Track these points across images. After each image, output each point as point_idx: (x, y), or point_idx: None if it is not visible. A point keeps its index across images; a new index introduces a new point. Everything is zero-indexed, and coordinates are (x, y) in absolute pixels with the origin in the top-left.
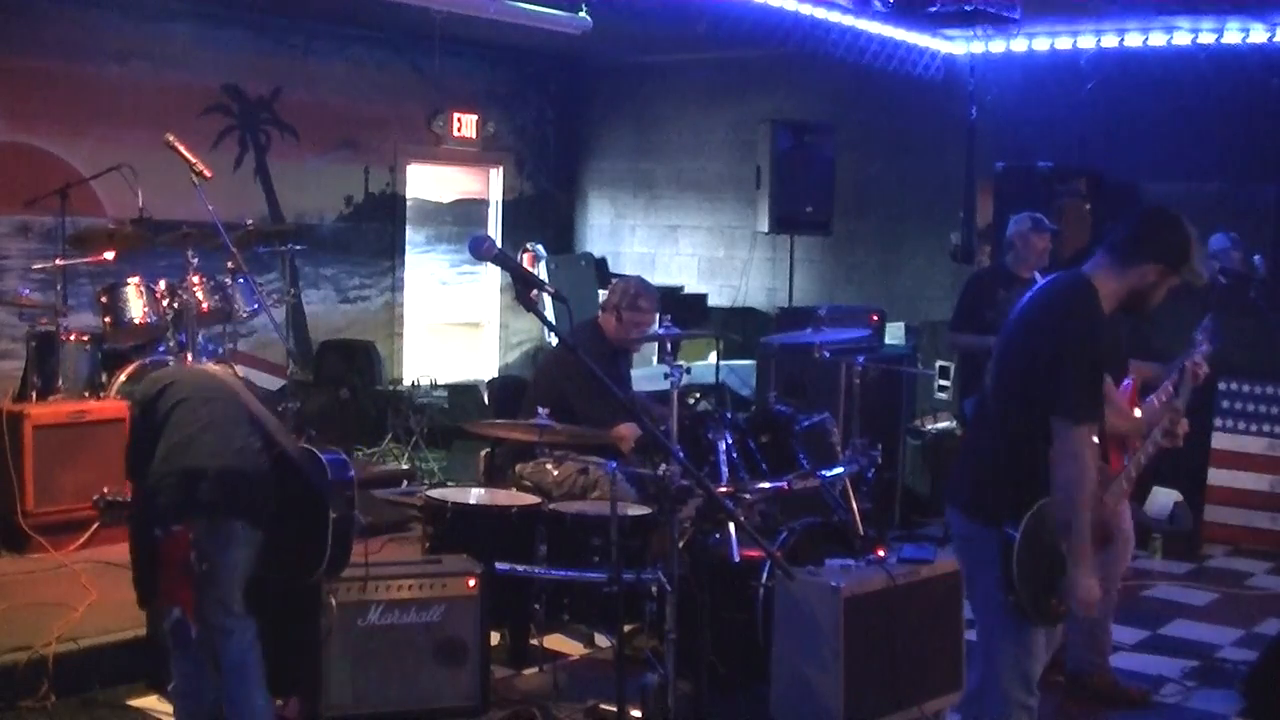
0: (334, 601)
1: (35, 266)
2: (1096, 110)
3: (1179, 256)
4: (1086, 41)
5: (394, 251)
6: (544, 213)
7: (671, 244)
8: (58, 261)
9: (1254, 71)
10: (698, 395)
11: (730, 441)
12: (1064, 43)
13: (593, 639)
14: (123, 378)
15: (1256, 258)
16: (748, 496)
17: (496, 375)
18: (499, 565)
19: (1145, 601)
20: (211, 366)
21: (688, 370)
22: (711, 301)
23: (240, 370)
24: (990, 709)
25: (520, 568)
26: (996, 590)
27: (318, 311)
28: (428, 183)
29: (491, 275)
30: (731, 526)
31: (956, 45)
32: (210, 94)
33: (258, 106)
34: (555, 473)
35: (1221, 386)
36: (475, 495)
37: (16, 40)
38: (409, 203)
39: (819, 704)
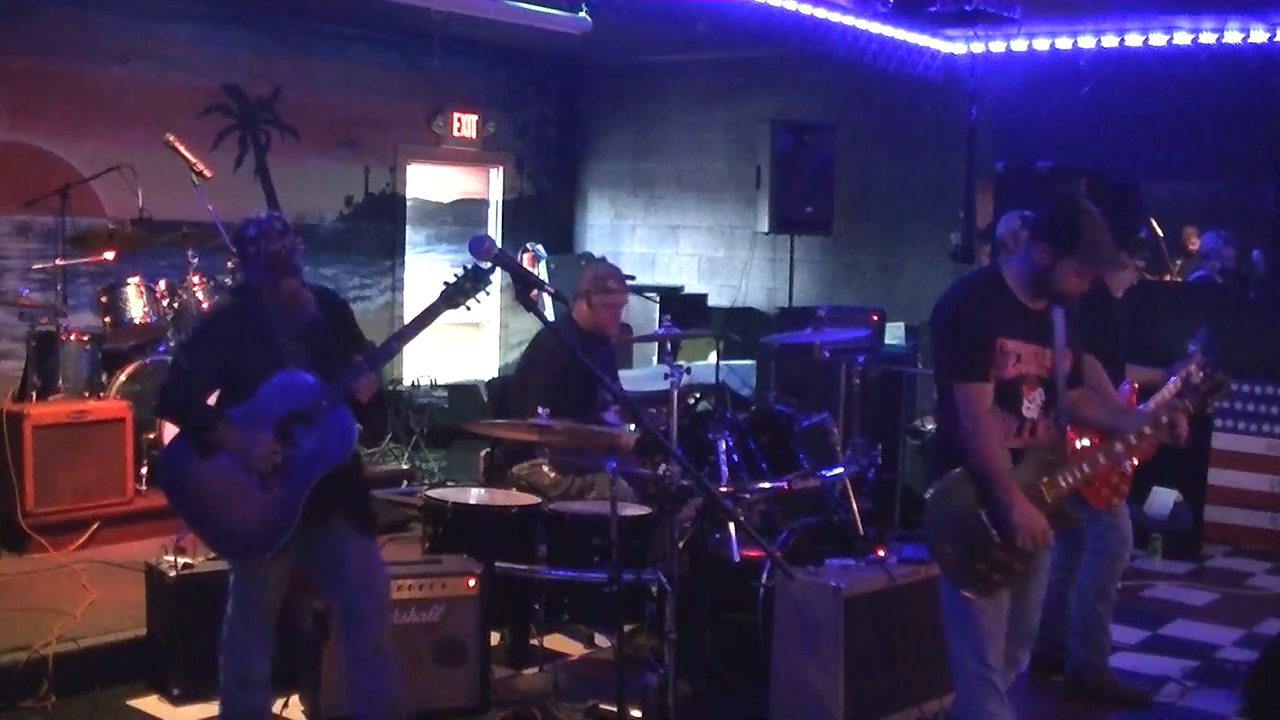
0: None
1: (35, 266)
2: (1096, 110)
3: (1066, 236)
4: (1086, 41)
5: (394, 251)
6: (544, 213)
7: (671, 244)
8: (58, 261)
9: (1254, 71)
10: (698, 395)
11: (730, 441)
12: (1064, 43)
13: (593, 639)
14: (123, 378)
15: (1255, 252)
16: (748, 496)
17: (496, 375)
18: (499, 565)
19: (1145, 601)
20: None
21: (688, 370)
22: (711, 301)
23: None
24: (956, 686)
25: (520, 568)
26: (934, 556)
27: None
28: (428, 183)
29: (491, 275)
30: (731, 526)
31: (956, 45)
32: (210, 94)
33: (258, 106)
34: (551, 474)
35: None
36: (475, 495)
37: (16, 40)
38: (409, 203)
39: (819, 704)
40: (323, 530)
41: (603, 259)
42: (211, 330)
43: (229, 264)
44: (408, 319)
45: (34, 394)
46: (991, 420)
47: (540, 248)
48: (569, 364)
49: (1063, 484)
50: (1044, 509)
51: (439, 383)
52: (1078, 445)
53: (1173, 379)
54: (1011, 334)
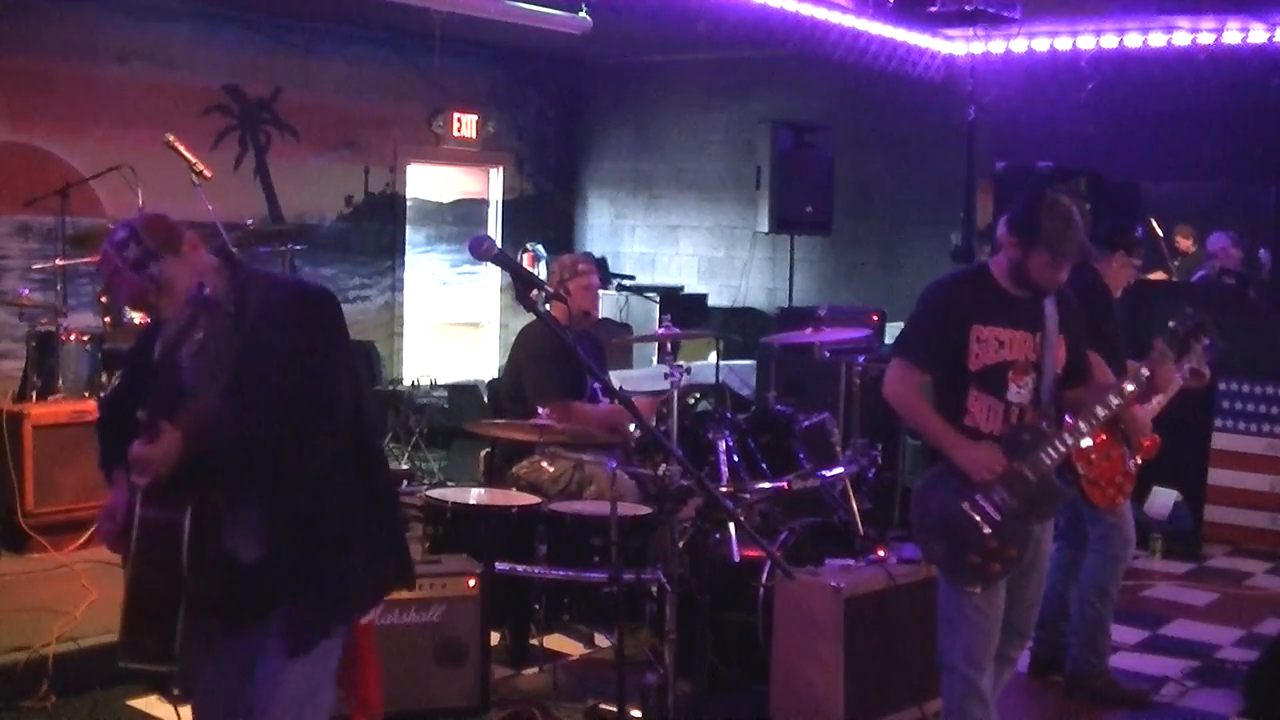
0: None
1: (35, 266)
2: (1096, 110)
3: (1028, 230)
4: (1086, 42)
5: (394, 251)
6: (544, 213)
7: (671, 244)
8: (58, 261)
9: (1254, 71)
10: (698, 395)
11: (730, 441)
12: (1064, 43)
13: (593, 639)
14: None
15: (1262, 252)
16: (748, 496)
17: (497, 375)
18: (499, 565)
19: (1145, 601)
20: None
21: (688, 370)
22: (711, 301)
23: None
24: (942, 682)
25: (520, 568)
26: (927, 557)
27: None
28: (428, 183)
29: (491, 275)
30: (731, 526)
31: (956, 45)
32: (210, 94)
33: (258, 106)
34: (551, 469)
35: (1221, 386)
36: (475, 495)
37: (16, 40)
38: (409, 203)
39: (819, 704)
40: (240, 640)
41: (565, 253)
42: (125, 366)
43: None
44: (408, 319)
45: (34, 394)
46: (915, 390)
47: (540, 248)
48: (557, 351)
49: (1046, 460)
50: (1029, 488)
51: (439, 383)
52: (1084, 444)
53: (1175, 376)
54: (991, 320)
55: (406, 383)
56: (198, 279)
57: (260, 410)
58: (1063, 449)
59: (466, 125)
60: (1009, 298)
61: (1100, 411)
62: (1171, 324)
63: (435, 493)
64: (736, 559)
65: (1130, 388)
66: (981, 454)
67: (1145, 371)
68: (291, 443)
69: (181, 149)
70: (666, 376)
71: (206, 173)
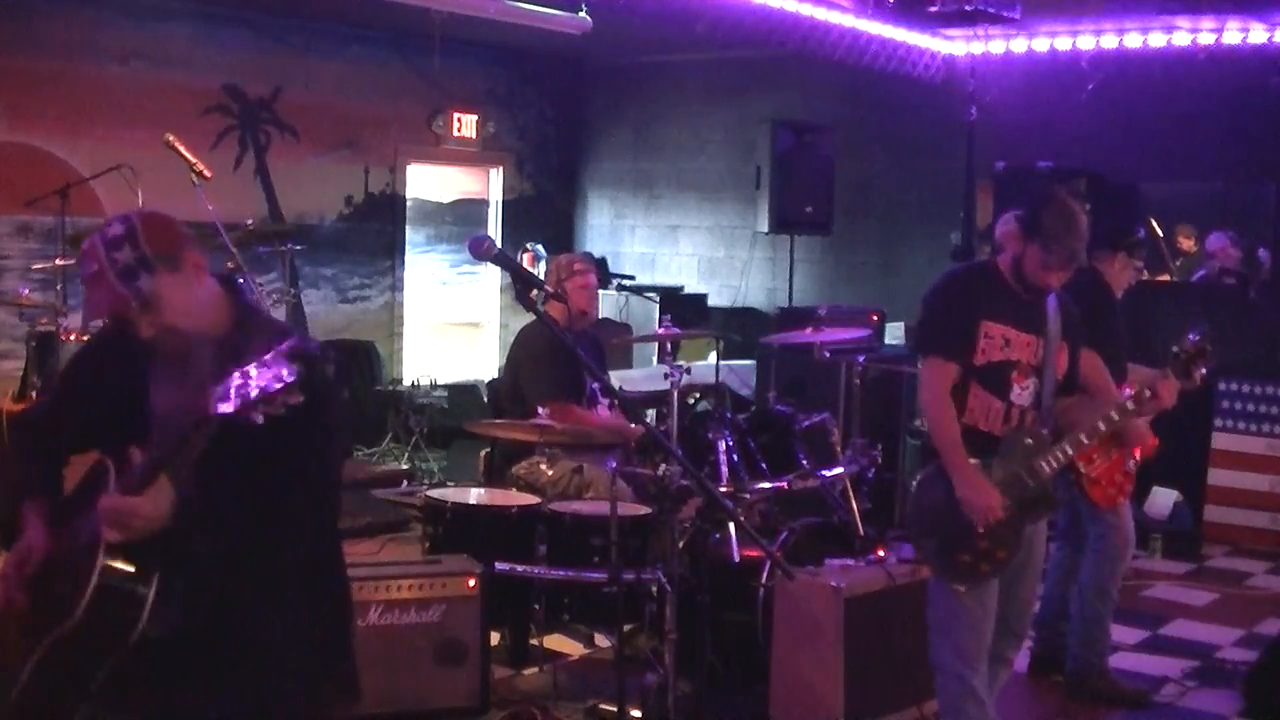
0: None
1: (35, 266)
2: (1096, 110)
3: (1030, 224)
4: (1086, 42)
5: (394, 251)
6: (544, 213)
7: (671, 244)
8: (58, 261)
9: (1254, 71)
10: (698, 395)
11: (730, 441)
12: (1064, 43)
13: (593, 639)
14: None
15: (1261, 251)
16: (748, 496)
17: (496, 375)
18: (499, 565)
19: (1145, 601)
20: None
21: (688, 370)
22: (711, 301)
23: None
24: (937, 684)
25: (520, 568)
26: (918, 552)
27: (318, 311)
28: (428, 183)
29: (491, 275)
30: (731, 526)
31: (956, 45)
32: (210, 94)
33: (258, 106)
34: (550, 472)
35: (1221, 386)
36: (475, 495)
37: (16, 40)
38: (409, 203)
39: (819, 704)
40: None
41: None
42: (74, 369)
43: (229, 264)
44: (408, 319)
45: (34, 394)
46: (950, 398)
47: (540, 248)
48: (557, 351)
49: (1045, 468)
50: (1024, 493)
51: (439, 383)
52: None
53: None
54: (998, 317)
55: (406, 383)
56: (199, 309)
57: (251, 477)
58: (1062, 458)
59: (466, 125)
60: (1016, 297)
61: (1102, 426)
62: (1175, 349)
63: (435, 493)
64: (736, 559)
65: (1131, 407)
66: (984, 499)
67: (1149, 392)
68: (270, 516)
69: (181, 149)
70: (666, 376)
71: (206, 173)
